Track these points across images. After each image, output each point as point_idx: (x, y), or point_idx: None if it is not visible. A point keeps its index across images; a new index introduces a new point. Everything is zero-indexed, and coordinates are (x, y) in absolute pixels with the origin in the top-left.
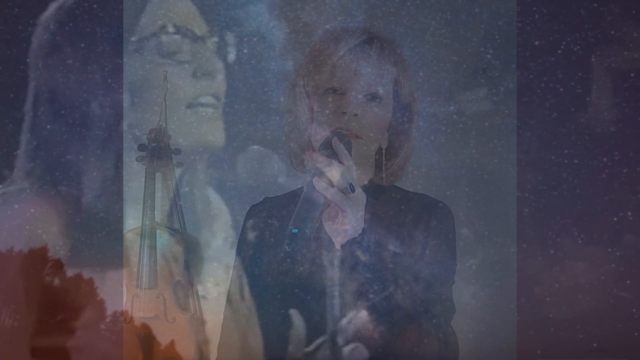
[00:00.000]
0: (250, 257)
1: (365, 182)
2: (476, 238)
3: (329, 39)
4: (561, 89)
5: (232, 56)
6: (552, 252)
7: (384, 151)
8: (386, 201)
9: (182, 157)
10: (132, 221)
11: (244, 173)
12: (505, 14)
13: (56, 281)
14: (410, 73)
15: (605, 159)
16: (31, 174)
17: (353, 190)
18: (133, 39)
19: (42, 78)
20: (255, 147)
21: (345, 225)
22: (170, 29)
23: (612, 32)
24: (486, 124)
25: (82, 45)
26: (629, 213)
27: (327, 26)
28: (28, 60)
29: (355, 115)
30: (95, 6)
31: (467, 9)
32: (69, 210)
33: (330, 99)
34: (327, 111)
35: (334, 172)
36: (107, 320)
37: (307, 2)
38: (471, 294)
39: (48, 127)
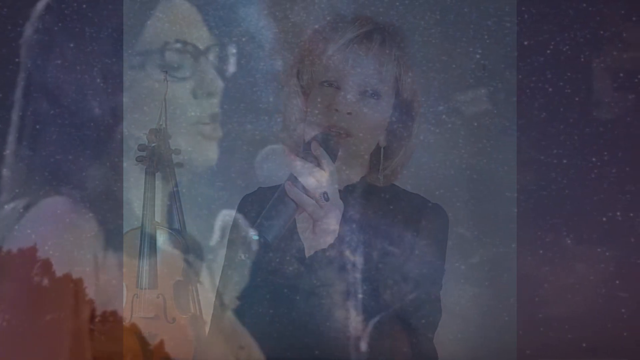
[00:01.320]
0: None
1: (357, 180)
2: (469, 238)
3: (326, 30)
4: (550, 89)
5: (219, 56)
6: (540, 252)
7: (382, 150)
8: (376, 200)
9: (181, 156)
10: (132, 221)
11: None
12: (494, 13)
13: (56, 281)
14: (414, 70)
15: (594, 159)
16: (29, 175)
17: (327, 199)
18: (134, 52)
19: (40, 77)
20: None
21: (315, 235)
22: (174, 44)
23: (601, 32)
24: (475, 124)
25: (81, 45)
26: (618, 213)
27: (316, 26)
28: (20, 60)
29: (349, 113)
30: (87, 7)
31: (456, 9)
32: (68, 210)
33: (323, 94)
34: (319, 107)
35: (310, 178)
36: (107, 320)
37: (296, 2)
38: (459, 294)
39: (45, 127)
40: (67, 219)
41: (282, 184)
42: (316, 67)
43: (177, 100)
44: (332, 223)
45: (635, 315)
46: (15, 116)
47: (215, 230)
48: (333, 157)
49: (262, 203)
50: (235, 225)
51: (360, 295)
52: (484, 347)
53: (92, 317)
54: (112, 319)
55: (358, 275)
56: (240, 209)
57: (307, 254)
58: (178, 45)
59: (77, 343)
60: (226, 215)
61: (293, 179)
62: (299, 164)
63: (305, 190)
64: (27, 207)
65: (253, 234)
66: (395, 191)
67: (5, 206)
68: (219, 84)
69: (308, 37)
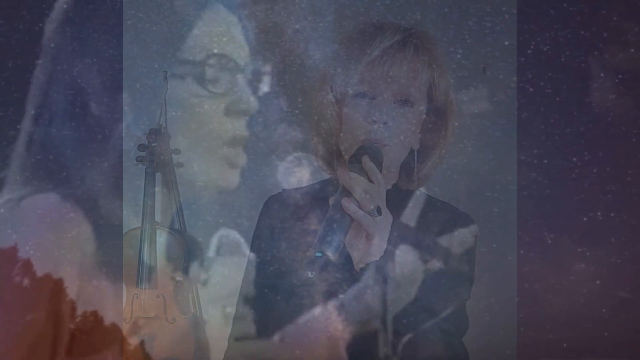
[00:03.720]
0: (265, 249)
1: (389, 188)
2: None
3: (359, 40)
4: (530, 89)
5: (201, 56)
6: (521, 252)
7: (416, 153)
8: (409, 209)
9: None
10: (132, 221)
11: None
12: (475, 13)
13: (56, 280)
14: (448, 73)
15: (575, 159)
16: (29, 176)
17: (380, 213)
18: (176, 60)
19: (39, 78)
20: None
21: (368, 248)
22: (212, 59)
23: (582, 32)
24: (456, 124)
25: (82, 44)
26: (599, 213)
27: (297, 26)
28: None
29: (385, 123)
30: (87, 6)
31: (436, 9)
32: (68, 210)
33: (358, 105)
34: (356, 118)
35: (363, 193)
36: (107, 320)
37: (276, 1)
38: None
39: (45, 127)
40: (66, 219)
41: (331, 204)
42: (351, 77)
43: (208, 116)
44: (383, 236)
45: (615, 315)
46: (14, 117)
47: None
48: (379, 168)
49: (287, 205)
50: (259, 226)
51: (401, 303)
52: (483, 347)
53: (93, 316)
54: (112, 318)
55: (398, 283)
56: (264, 210)
57: (357, 266)
58: (219, 59)
59: (76, 342)
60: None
61: (345, 193)
62: (352, 179)
63: (358, 204)
64: (26, 205)
65: (316, 252)
66: (426, 199)
67: (4, 204)
68: (253, 103)
69: (337, 48)
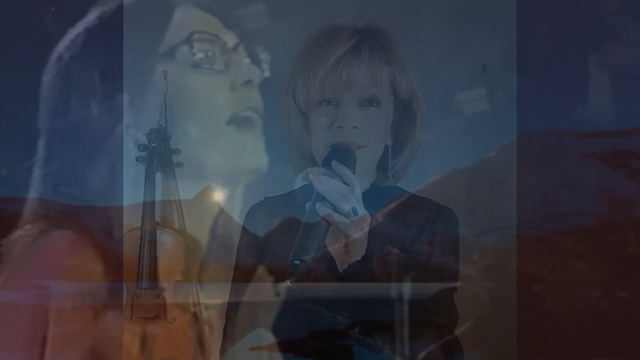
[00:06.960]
0: (251, 259)
1: (368, 187)
2: (469, 238)
3: (314, 50)
4: (528, 88)
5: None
6: (521, 252)
7: (390, 149)
8: (389, 206)
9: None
10: (132, 221)
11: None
12: (469, 13)
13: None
14: (409, 69)
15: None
16: (29, 175)
17: (356, 215)
18: (161, 50)
19: (38, 78)
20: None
21: (348, 250)
22: (197, 40)
23: (578, 31)
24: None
25: (81, 45)
26: (598, 212)
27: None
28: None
29: (354, 128)
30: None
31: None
32: (69, 210)
33: (324, 113)
34: (323, 127)
35: (337, 196)
36: (107, 320)
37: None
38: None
39: (45, 127)
40: (67, 219)
41: (307, 209)
42: (311, 88)
43: (212, 95)
44: (362, 236)
45: (615, 315)
46: (14, 117)
47: None
48: (352, 169)
49: (270, 212)
50: (243, 235)
51: (392, 300)
52: (484, 347)
53: (93, 316)
54: (112, 318)
55: (386, 281)
56: (248, 219)
57: (340, 268)
58: (206, 36)
59: (77, 342)
60: None
61: (319, 197)
62: (324, 184)
63: (333, 207)
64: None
65: (294, 260)
66: (406, 196)
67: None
68: (257, 72)
69: (297, 57)
